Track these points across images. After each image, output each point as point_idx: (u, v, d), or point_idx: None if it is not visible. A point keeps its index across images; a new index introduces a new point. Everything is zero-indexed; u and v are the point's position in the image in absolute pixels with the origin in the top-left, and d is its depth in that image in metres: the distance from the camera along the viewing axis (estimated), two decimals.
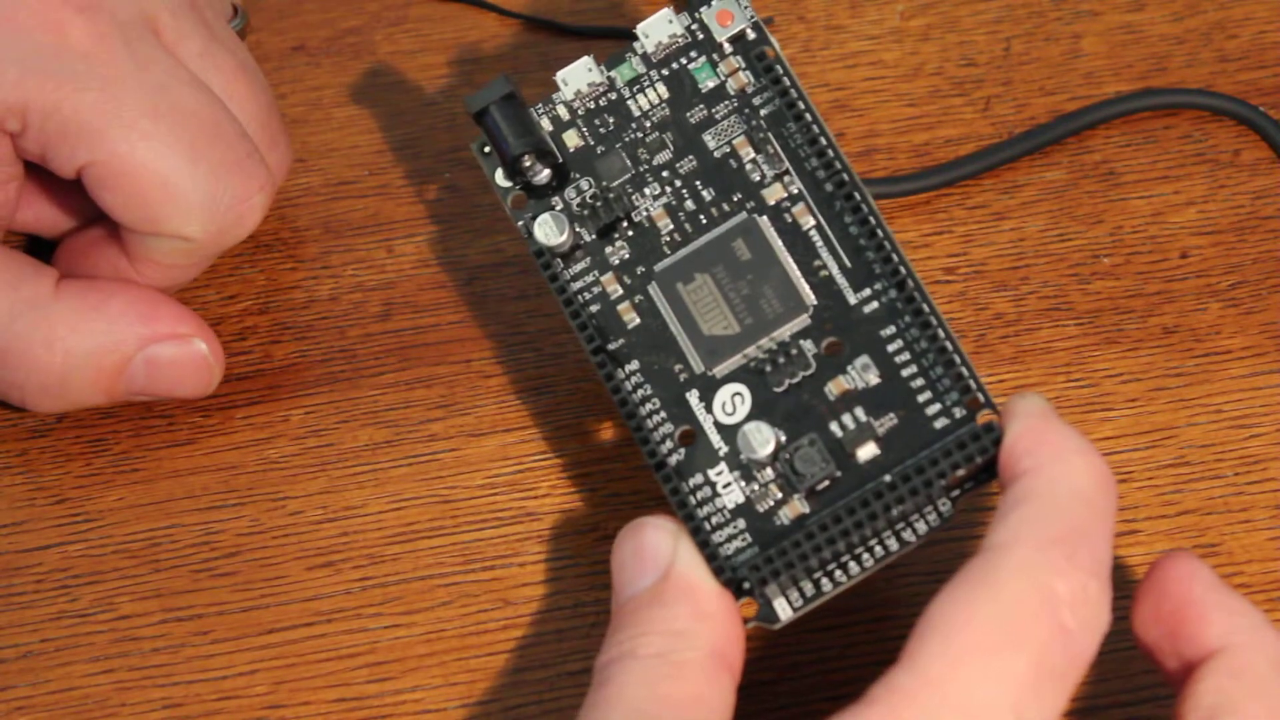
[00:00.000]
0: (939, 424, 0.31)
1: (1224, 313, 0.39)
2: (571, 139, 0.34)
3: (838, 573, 0.31)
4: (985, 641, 0.26)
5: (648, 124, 0.34)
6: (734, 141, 0.33)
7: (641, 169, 0.34)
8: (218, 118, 0.35)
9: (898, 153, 0.42)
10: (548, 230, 0.33)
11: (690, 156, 0.34)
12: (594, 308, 0.33)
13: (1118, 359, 0.38)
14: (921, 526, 0.30)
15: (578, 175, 0.34)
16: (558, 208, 0.34)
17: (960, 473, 0.30)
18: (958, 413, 0.31)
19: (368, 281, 0.40)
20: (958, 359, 0.31)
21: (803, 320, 0.32)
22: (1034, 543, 0.27)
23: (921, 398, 0.31)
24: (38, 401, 0.36)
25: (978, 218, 0.41)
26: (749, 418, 0.31)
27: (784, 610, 0.31)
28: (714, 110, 0.34)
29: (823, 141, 0.32)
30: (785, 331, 0.32)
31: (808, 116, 0.33)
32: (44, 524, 0.37)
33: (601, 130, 0.34)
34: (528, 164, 0.33)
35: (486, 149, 0.34)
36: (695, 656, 0.28)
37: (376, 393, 0.39)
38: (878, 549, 0.30)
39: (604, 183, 0.34)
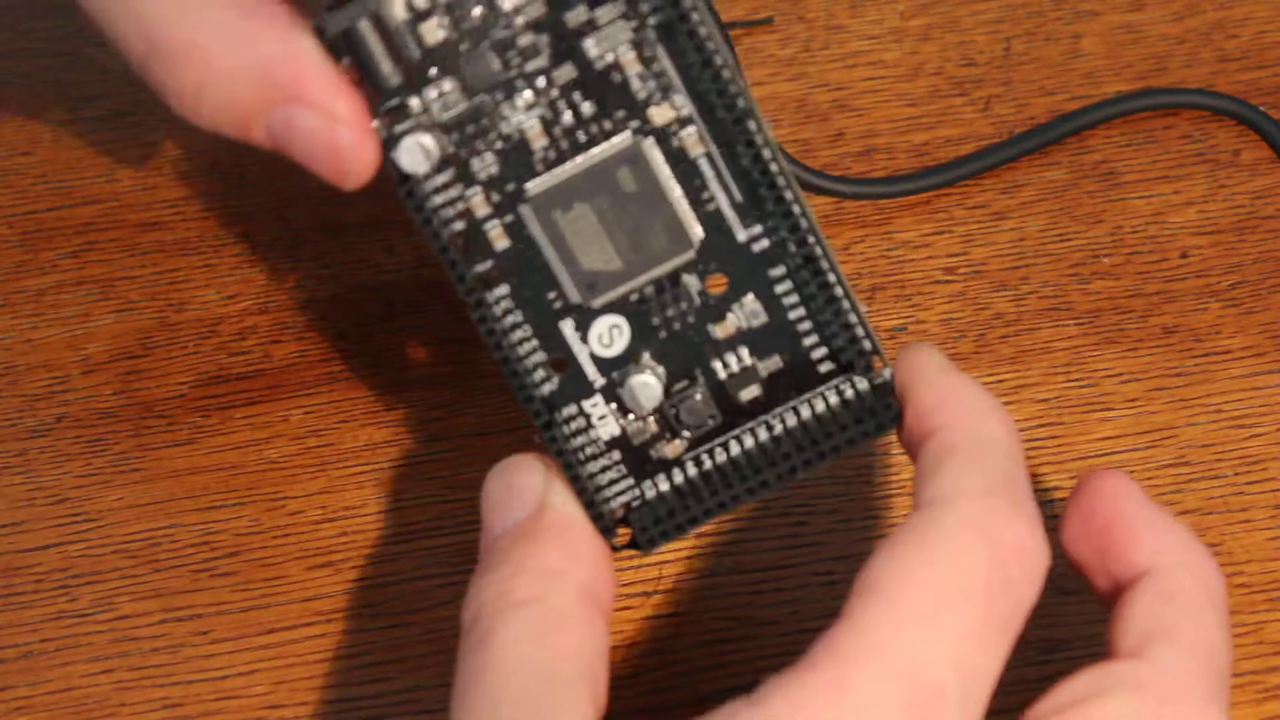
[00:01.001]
0: (824, 368, 0.30)
1: (1224, 313, 0.39)
2: (431, 31, 0.30)
3: (712, 506, 0.30)
4: (932, 600, 0.26)
5: (519, 21, 0.30)
6: (618, 52, 0.30)
7: (512, 74, 0.30)
8: None
9: (898, 153, 0.42)
10: (416, 159, 0.29)
11: (569, 64, 0.30)
12: (457, 225, 0.30)
13: (1118, 359, 0.38)
14: (800, 464, 0.30)
15: (438, 74, 0.30)
16: (416, 110, 0.30)
17: (849, 433, 0.30)
18: (844, 358, 0.30)
19: (368, 281, 0.40)
20: (847, 304, 0.30)
21: (688, 255, 0.30)
22: (976, 493, 0.27)
23: (807, 341, 0.30)
24: (184, 105, 0.31)
25: (978, 218, 0.41)
26: (628, 350, 0.30)
27: (653, 540, 0.30)
28: (596, 13, 0.29)
29: (718, 61, 0.29)
30: (669, 266, 0.30)
31: (702, 31, 0.29)
32: (44, 524, 0.37)
33: (464, 26, 0.30)
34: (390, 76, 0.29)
35: (328, 34, 0.29)
36: (569, 599, 0.28)
37: (376, 393, 0.39)
38: (755, 485, 0.30)
39: (471, 87, 0.30)
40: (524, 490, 0.30)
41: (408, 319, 0.40)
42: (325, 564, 0.37)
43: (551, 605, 0.28)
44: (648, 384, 0.30)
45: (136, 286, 0.41)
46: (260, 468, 0.38)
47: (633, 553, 0.30)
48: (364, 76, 0.30)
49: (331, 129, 0.30)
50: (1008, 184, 0.41)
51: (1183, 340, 0.38)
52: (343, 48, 0.29)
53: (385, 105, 0.30)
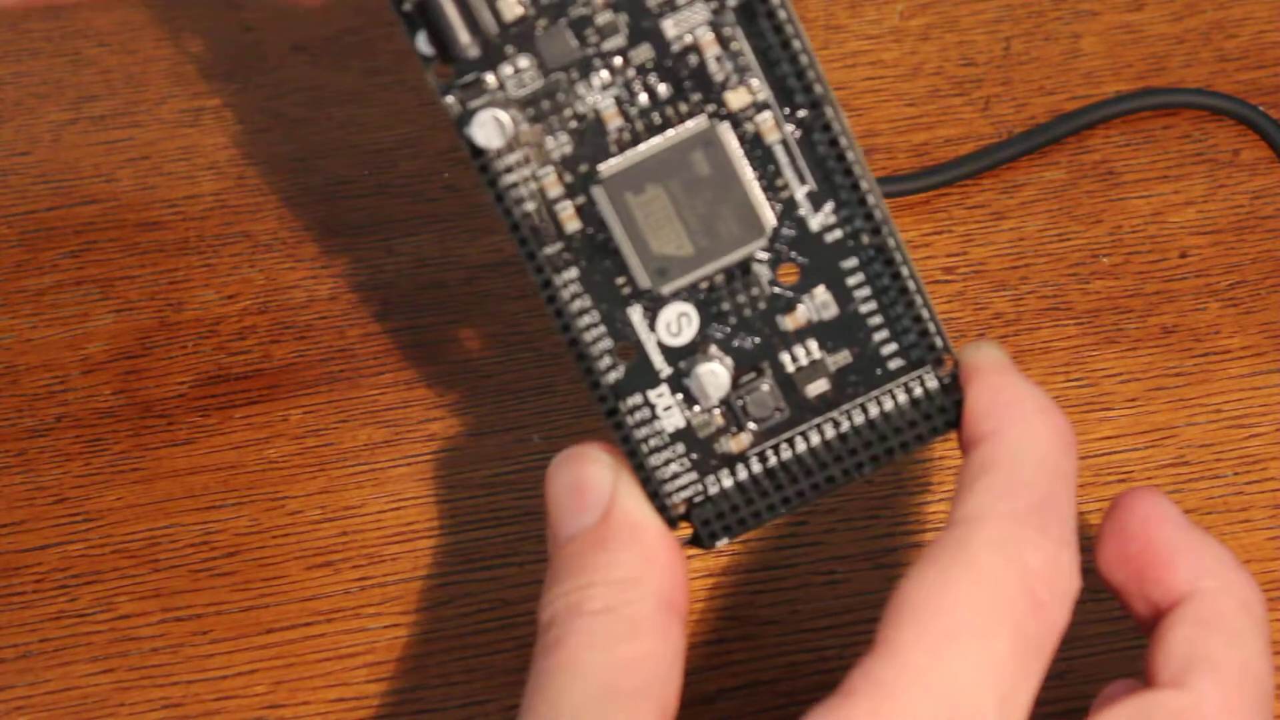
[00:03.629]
0: (894, 365, 0.30)
1: (1223, 312, 0.39)
2: (509, 7, 0.29)
3: (778, 504, 0.30)
4: (964, 624, 0.26)
5: (598, 0, 0.29)
6: (696, 33, 0.29)
7: (589, 52, 0.29)
8: None
9: (897, 152, 0.42)
10: (490, 133, 0.29)
11: (646, 44, 0.29)
12: (529, 205, 0.30)
13: (1117, 359, 0.38)
14: (866, 463, 0.30)
15: (514, 50, 0.29)
16: (491, 86, 0.29)
17: (919, 431, 0.29)
18: (915, 355, 0.30)
19: (368, 281, 0.40)
20: (920, 299, 0.30)
21: (759, 242, 0.30)
22: (1003, 516, 0.27)
23: (878, 336, 0.30)
24: None
25: (977, 217, 0.41)
26: (695, 340, 0.30)
27: (718, 538, 0.30)
28: None
29: (796, 45, 0.29)
30: (740, 254, 0.30)
31: (781, 14, 0.29)
32: (43, 524, 0.37)
33: (543, 2, 0.29)
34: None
35: (405, 6, 0.29)
36: (645, 609, 0.28)
37: (376, 393, 0.39)
38: (821, 483, 0.30)
39: (547, 65, 0.29)
40: (592, 488, 0.29)
41: (408, 319, 0.40)
42: (325, 564, 0.37)
43: (624, 615, 0.28)
44: (715, 373, 0.30)
45: (136, 286, 0.41)
46: (260, 468, 0.38)
47: (695, 550, 0.30)
48: (440, 47, 0.29)
49: None
50: (1007, 184, 0.41)
51: (1182, 340, 0.38)
52: (420, 18, 0.29)
53: (460, 80, 0.29)
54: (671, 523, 0.30)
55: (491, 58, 0.29)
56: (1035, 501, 0.27)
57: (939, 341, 0.30)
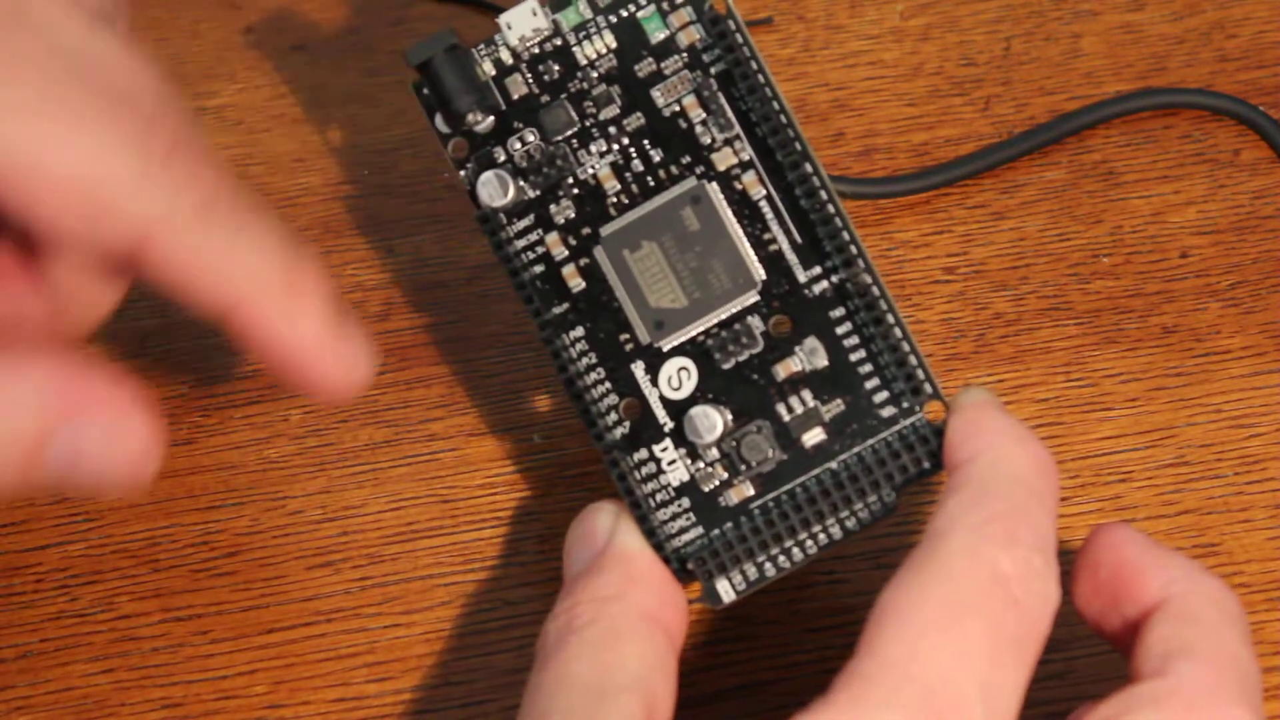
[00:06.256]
0: (886, 412, 0.31)
1: (1224, 312, 0.39)
2: (515, 86, 0.32)
3: (780, 558, 0.31)
4: (939, 618, 0.26)
5: (594, 74, 0.32)
6: (683, 100, 0.32)
7: (588, 123, 0.32)
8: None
9: (897, 152, 0.42)
10: (492, 190, 0.32)
11: (638, 113, 0.32)
12: (537, 269, 0.32)
13: (1117, 359, 0.38)
14: (865, 515, 0.30)
15: (521, 125, 0.32)
16: (500, 160, 0.32)
17: (909, 474, 0.30)
18: (905, 402, 0.31)
19: (368, 281, 0.40)
20: (906, 346, 0.30)
21: (751, 296, 0.31)
22: (971, 523, 0.27)
23: (869, 384, 0.31)
24: None
25: (977, 217, 0.41)
26: (695, 394, 0.31)
27: (726, 593, 0.31)
28: (663, 65, 0.32)
29: (774, 107, 0.31)
30: (733, 307, 0.31)
31: (759, 79, 0.31)
32: (44, 524, 0.37)
33: (546, 78, 0.32)
34: (471, 115, 0.32)
35: (425, 90, 0.33)
36: (627, 620, 0.29)
37: (376, 393, 0.39)
38: (821, 537, 0.30)
39: (549, 136, 0.32)
40: (595, 532, 0.31)
41: (408, 319, 0.40)
42: (325, 564, 0.37)
43: (606, 625, 0.29)
44: (708, 414, 0.31)
45: (136, 286, 0.41)
46: (260, 468, 0.38)
47: (709, 606, 0.31)
48: (446, 113, 0.32)
49: (127, 424, 0.27)
50: (1007, 184, 0.41)
51: (1183, 340, 0.38)
52: (435, 100, 0.33)
53: (475, 154, 0.32)
54: (678, 573, 0.31)
55: (500, 134, 0.32)
56: (1003, 511, 0.27)
57: (928, 388, 0.30)
